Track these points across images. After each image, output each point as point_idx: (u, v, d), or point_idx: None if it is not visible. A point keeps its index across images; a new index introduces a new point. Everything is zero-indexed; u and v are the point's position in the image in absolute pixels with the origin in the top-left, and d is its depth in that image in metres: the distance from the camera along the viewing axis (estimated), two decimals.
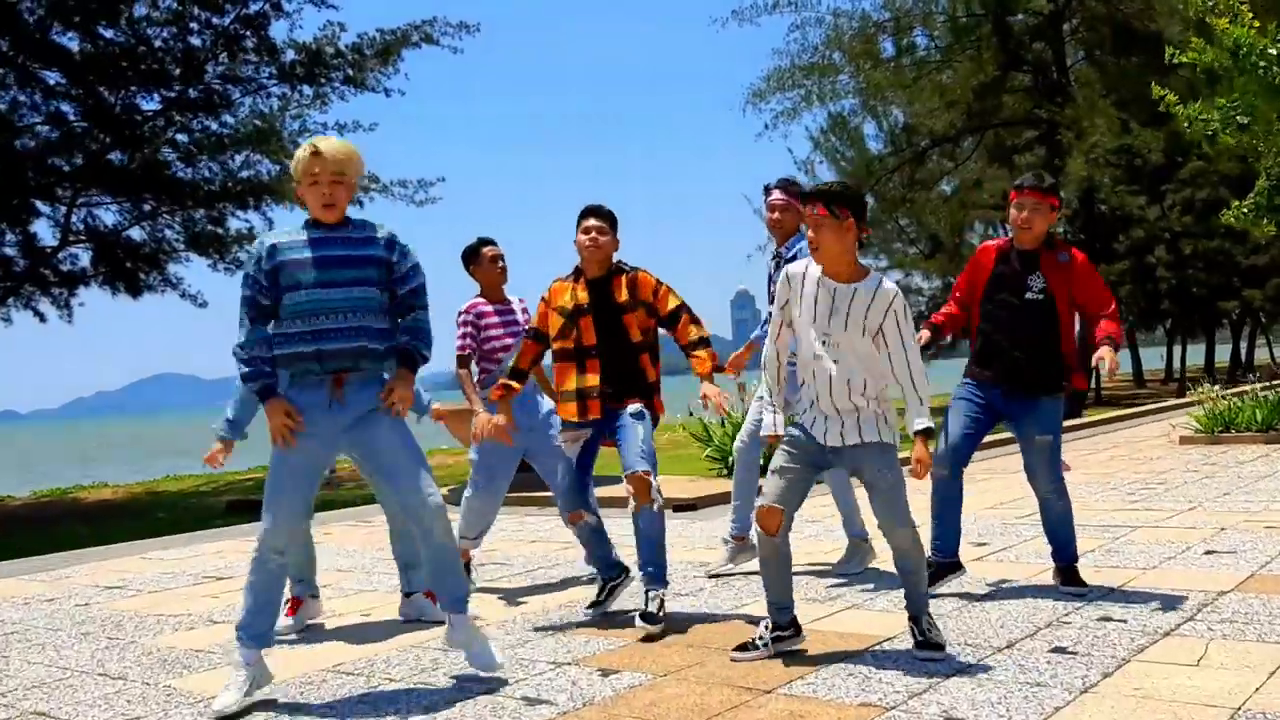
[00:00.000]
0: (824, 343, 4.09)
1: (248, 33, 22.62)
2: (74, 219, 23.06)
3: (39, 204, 22.42)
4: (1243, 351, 44.54)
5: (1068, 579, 5.14)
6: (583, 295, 4.98)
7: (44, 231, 23.27)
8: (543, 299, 5.14)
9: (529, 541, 7.81)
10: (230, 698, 3.93)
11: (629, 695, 3.84)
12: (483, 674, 4.14)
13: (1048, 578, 5.34)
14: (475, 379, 5.65)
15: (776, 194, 5.79)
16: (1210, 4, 12.20)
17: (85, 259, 24.27)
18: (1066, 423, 14.99)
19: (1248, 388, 13.99)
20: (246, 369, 4.08)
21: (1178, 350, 41.35)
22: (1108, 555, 5.94)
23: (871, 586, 5.48)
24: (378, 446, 4.10)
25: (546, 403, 5.77)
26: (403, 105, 24.78)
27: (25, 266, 23.15)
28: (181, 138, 22.94)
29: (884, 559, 5.71)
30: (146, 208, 23.40)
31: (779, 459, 4.18)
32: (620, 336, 4.94)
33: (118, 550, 8.86)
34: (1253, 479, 8.96)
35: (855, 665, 4.04)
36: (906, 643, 4.22)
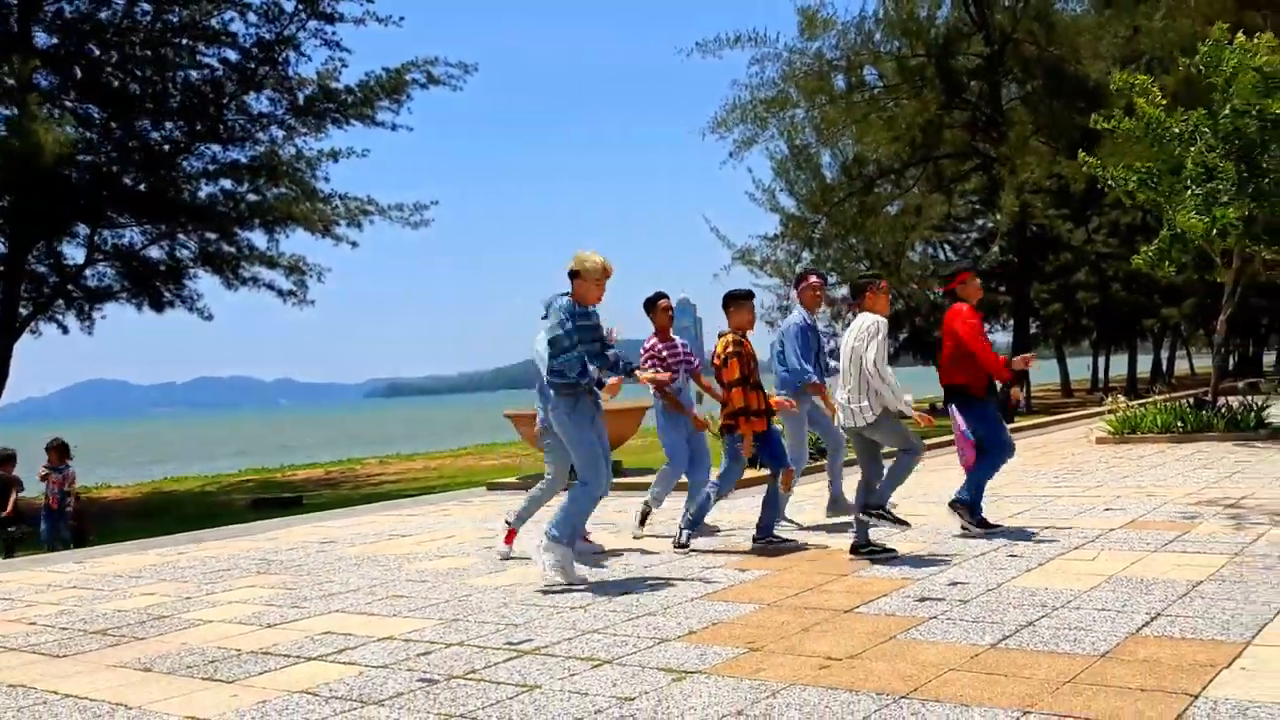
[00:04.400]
0: None
1: (265, 70, 25.11)
2: (98, 239, 25.37)
3: (80, 226, 24.74)
4: (1164, 363, 48.02)
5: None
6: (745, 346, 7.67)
7: (68, 250, 25.58)
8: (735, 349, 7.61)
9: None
10: (555, 578, 6.50)
11: (762, 579, 6.50)
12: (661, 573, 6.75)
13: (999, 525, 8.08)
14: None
15: (815, 278, 8.47)
16: (1132, 85, 15.06)
17: (110, 276, 26.68)
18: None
19: (1153, 399, 16.94)
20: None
21: (1102, 362, 44.73)
22: (1040, 513, 8.69)
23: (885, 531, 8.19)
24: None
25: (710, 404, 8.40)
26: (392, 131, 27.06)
27: (54, 283, 25.42)
28: (197, 164, 25.40)
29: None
30: (164, 228, 25.79)
31: None
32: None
33: (290, 521, 11.38)
34: (1148, 467, 11.82)
35: (892, 565, 6.73)
36: (917, 557, 6.94)
